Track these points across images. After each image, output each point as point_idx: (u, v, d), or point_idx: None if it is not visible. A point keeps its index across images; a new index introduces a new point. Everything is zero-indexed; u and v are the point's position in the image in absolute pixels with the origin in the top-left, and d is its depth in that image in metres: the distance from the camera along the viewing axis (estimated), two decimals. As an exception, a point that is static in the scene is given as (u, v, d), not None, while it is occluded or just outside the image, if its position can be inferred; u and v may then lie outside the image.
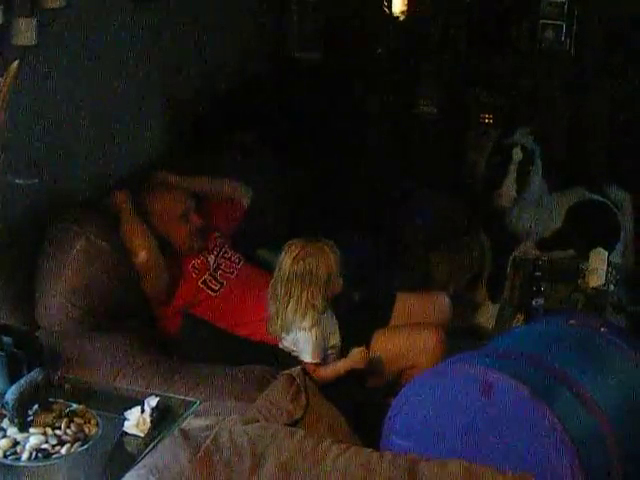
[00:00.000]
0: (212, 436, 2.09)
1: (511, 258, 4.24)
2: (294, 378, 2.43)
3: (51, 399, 2.30)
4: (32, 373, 2.28)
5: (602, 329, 2.64)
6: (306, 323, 2.87)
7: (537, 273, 3.73)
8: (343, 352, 2.95)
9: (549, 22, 4.85)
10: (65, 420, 2.24)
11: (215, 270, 3.20)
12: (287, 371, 2.48)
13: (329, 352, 2.94)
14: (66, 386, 2.42)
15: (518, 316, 3.68)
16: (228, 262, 3.26)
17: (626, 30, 4.76)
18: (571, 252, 4.16)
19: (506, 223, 4.32)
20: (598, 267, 3.69)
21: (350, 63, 4.82)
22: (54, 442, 2.17)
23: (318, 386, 2.53)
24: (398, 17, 5.03)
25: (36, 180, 2.87)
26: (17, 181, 2.79)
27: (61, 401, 2.31)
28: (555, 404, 2.21)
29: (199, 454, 2.03)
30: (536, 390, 2.20)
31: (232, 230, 3.45)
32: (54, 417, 2.24)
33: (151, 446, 2.22)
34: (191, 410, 2.41)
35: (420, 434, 2.33)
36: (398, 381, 2.96)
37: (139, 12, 3.43)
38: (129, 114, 3.43)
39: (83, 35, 3.09)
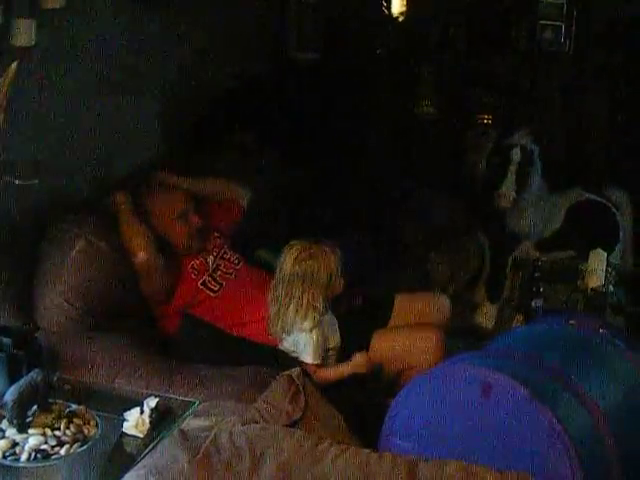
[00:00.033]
0: (211, 437, 2.09)
1: (511, 258, 4.25)
2: (293, 379, 2.42)
3: (50, 400, 2.29)
4: (31, 374, 2.27)
5: (601, 330, 2.65)
6: (307, 325, 2.87)
7: (536, 274, 3.73)
8: (342, 352, 2.95)
9: (548, 23, 4.86)
10: (64, 421, 2.23)
11: (214, 271, 3.20)
12: (286, 372, 2.47)
13: (329, 353, 2.94)
14: (65, 387, 2.42)
15: (517, 316, 3.69)
16: (227, 263, 3.25)
17: (625, 31, 4.77)
18: (570, 253, 4.16)
19: (506, 223, 4.32)
20: (597, 268, 3.68)
21: (350, 63, 4.82)
22: (53, 443, 2.16)
23: (318, 387, 2.53)
24: (398, 17, 5.04)
25: (36, 180, 2.86)
26: (17, 181, 2.79)
27: (60, 402, 2.30)
28: (554, 404, 2.21)
29: (198, 455, 2.03)
30: (536, 390, 2.20)
31: (231, 230, 3.45)
32: (53, 418, 2.23)
33: (150, 447, 2.22)
34: (190, 411, 2.40)
35: (419, 434, 2.33)
36: (398, 381, 2.95)
37: (139, 12, 3.44)
38: (129, 114, 3.43)
39: (83, 35, 3.09)
